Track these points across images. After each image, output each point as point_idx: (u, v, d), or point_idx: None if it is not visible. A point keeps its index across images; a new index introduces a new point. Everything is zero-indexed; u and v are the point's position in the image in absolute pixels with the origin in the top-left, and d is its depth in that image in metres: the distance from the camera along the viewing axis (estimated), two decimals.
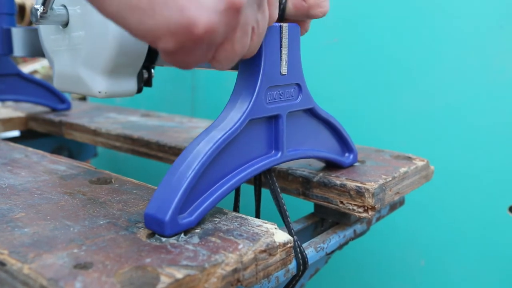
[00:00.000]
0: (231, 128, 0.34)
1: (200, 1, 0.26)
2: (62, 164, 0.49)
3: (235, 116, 0.35)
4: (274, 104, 0.38)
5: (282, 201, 0.42)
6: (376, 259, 0.85)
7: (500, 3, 0.67)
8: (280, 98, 0.39)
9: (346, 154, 0.49)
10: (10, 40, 0.68)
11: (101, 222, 0.34)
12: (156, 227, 0.31)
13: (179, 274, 0.27)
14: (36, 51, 0.60)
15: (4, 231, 0.32)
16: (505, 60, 0.68)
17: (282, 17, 0.40)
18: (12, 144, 0.58)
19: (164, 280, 0.26)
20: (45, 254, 0.29)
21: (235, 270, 0.29)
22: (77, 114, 0.82)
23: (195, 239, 0.31)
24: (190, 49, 0.27)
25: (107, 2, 0.26)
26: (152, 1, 0.25)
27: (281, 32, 0.37)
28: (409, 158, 0.53)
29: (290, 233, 0.41)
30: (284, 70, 0.38)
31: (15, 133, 0.89)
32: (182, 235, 0.32)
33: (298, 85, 0.40)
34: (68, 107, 0.86)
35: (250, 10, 0.29)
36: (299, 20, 0.41)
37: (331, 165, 0.48)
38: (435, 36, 0.73)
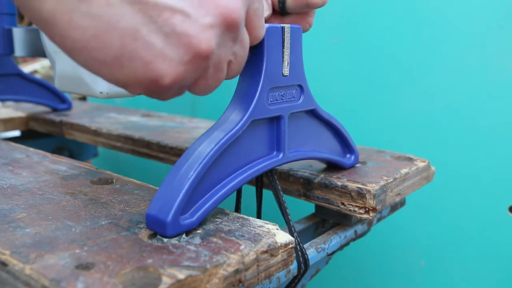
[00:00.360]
0: (233, 129, 0.34)
1: (165, 54, 0.26)
2: (63, 164, 0.49)
3: (237, 117, 0.35)
4: (276, 105, 0.38)
5: (284, 201, 0.42)
6: (377, 260, 0.85)
7: (500, 3, 0.67)
8: (282, 99, 0.39)
9: (348, 155, 0.49)
10: (11, 40, 0.68)
11: (103, 223, 0.34)
12: (158, 228, 0.31)
13: (181, 274, 0.27)
14: (37, 51, 0.60)
15: (5, 231, 0.32)
16: (505, 60, 0.68)
17: (284, 12, 0.40)
18: (13, 144, 0.58)
19: (166, 280, 0.26)
20: (47, 255, 0.29)
21: (236, 271, 0.29)
22: (78, 114, 0.82)
23: (197, 240, 0.31)
24: (160, 93, 0.28)
25: (75, 54, 0.26)
26: (118, 56, 0.25)
27: (283, 34, 0.37)
28: (410, 159, 0.53)
29: (292, 234, 0.41)
30: (286, 71, 0.38)
31: (16, 133, 0.89)
32: (184, 235, 0.32)
33: (300, 86, 0.40)
34: (69, 107, 0.86)
35: (223, 49, 0.29)
36: (302, 12, 0.41)
37: (332, 166, 0.48)
38: (436, 36, 0.73)
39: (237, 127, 0.35)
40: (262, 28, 0.33)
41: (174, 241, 0.31)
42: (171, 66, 0.26)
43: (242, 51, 0.31)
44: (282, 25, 0.37)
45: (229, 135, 0.34)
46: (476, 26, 0.69)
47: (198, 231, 0.33)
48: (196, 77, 0.29)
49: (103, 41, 0.24)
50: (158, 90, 0.27)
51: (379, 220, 0.54)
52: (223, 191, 0.34)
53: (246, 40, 0.31)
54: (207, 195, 0.34)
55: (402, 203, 0.58)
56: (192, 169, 0.32)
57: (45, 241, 0.31)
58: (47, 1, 0.24)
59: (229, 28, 0.28)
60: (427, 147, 0.76)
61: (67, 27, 0.24)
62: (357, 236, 0.50)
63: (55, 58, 0.49)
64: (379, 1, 0.77)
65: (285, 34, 0.37)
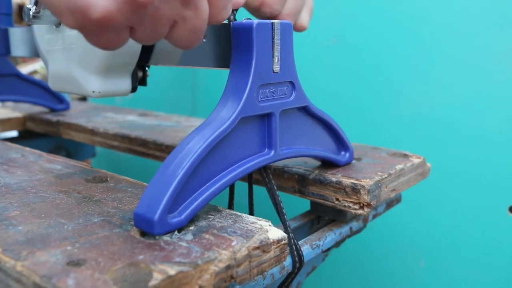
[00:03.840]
0: (222, 126, 0.34)
1: None
2: (58, 163, 0.49)
3: (226, 114, 0.35)
4: (267, 102, 0.38)
5: (279, 198, 0.42)
6: (376, 259, 0.85)
7: (500, 3, 0.67)
8: (273, 96, 0.39)
9: (342, 153, 0.49)
10: (7, 41, 0.68)
11: (95, 220, 0.34)
12: (145, 227, 0.31)
13: (172, 270, 0.27)
14: (34, 51, 0.60)
15: None
16: (505, 60, 0.68)
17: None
18: (9, 144, 0.58)
19: (157, 276, 0.26)
20: (39, 252, 0.29)
21: (228, 267, 0.29)
22: (75, 114, 0.82)
23: (189, 236, 0.32)
24: (93, 31, 0.27)
25: None
26: None
27: (273, 30, 0.37)
28: (406, 156, 0.53)
29: (287, 231, 0.41)
30: (276, 68, 0.38)
31: (13, 133, 0.89)
32: (176, 232, 0.32)
33: (292, 83, 0.40)
34: (66, 108, 0.86)
35: (166, 5, 0.28)
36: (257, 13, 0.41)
37: (327, 164, 0.48)
38: (434, 35, 0.73)
39: (226, 124, 0.35)
40: (223, 10, 0.31)
41: (166, 237, 0.31)
42: (104, 1, 0.26)
43: (195, 20, 0.29)
44: (272, 21, 0.37)
45: (218, 132, 0.34)
46: (476, 26, 0.69)
47: (191, 228, 0.33)
48: (131, 22, 0.28)
49: None
50: (89, 25, 0.26)
51: (374, 216, 0.54)
52: (212, 189, 0.34)
53: (203, 9, 0.29)
54: (196, 193, 0.34)
55: (398, 200, 0.58)
56: (180, 167, 0.32)
57: (37, 238, 0.31)
58: None
59: None
60: (427, 147, 0.76)
61: None
62: (353, 233, 0.50)
63: (48, 58, 0.49)
64: (379, 1, 0.77)
65: (275, 31, 0.37)
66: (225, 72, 0.39)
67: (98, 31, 0.27)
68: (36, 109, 0.87)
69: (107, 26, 0.27)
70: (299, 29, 0.45)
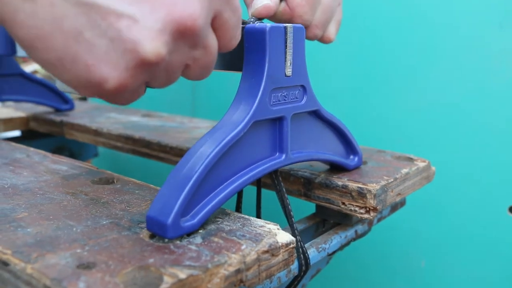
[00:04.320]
0: (235, 130, 0.34)
1: (109, 59, 0.25)
2: (64, 164, 0.49)
3: (239, 118, 0.35)
4: (279, 106, 0.38)
5: (288, 201, 0.42)
6: (377, 260, 0.85)
7: (500, 3, 0.67)
8: (285, 100, 0.39)
9: (351, 157, 0.49)
10: (12, 41, 0.68)
11: (104, 222, 0.34)
12: (158, 230, 0.31)
13: (182, 274, 0.27)
14: None
15: (7, 231, 0.32)
16: (505, 60, 0.68)
17: None
18: (13, 144, 0.58)
19: (167, 280, 0.26)
20: (48, 254, 0.29)
21: (238, 271, 0.29)
22: (78, 114, 0.82)
23: (198, 240, 0.32)
24: (110, 97, 0.28)
25: (26, 51, 0.26)
26: (61, 58, 0.25)
27: (285, 34, 0.37)
28: (411, 159, 0.53)
29: (294, 234, 0.41)
30: (288, 71, 0.38)
31: (16, 133, 0.89)
32: (185, 235, 0.32)
33: (303, 86, 0.40)
34: (71, 108, 0.86)
35: (176, 55, 0.28)
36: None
37: (336, 168, 0.48)
38: (436, 36, 0.73)
39: (239, 128, 0.35)
40: (233, 39, 0.31)
41: (175, 240, 0.31)
42: (115, 71, 0.26)
43: (206, 57, 0.30)
44: (284, 25, 0.37)
45: (231, 136, 0.34)
46: (476, 26, 0.69)
47: (200, 231, 0.33)
48: (145, 80, 0.28)
49: (46, 42, 0.24)
50: (105, 94, 0.27)
51: (379, 220, 0.54)
52: (225, 192, 0.34)
53: (211, 45, 0.29)
54: (209, 197, 0.34)
55: (402, 203, 0.58)
56: (193, 171, 0.32)
57: (46, 240, 0.31)
58: None
59: (183, 35, 0.27)
60: (427, 147, 0.76)
61: (13, 26, 0.24)
62: (358, 236, 0.50)
63: None
64: (379, 1, 0.77)
65: (288, 34, 0.37)
66: (225, 72, 0.39)
67: (115, 97, 0.28)
68: (39, 109, 0.87)
69: (123, 92, 0.27)
70: (326, 41, 0.45)
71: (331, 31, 0.46)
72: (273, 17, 0.42)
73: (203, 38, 0.28)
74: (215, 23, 0.29)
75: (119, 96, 0.28)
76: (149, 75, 0.27)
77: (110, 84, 0.26)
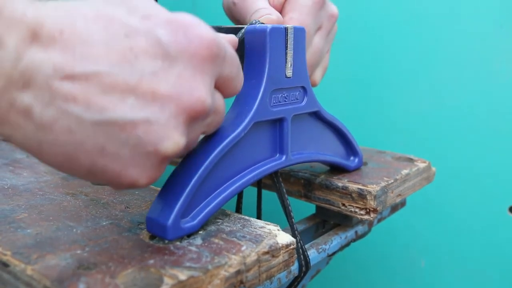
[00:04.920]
0: (235, 131, 0.34)
1: (135, 163, 0.26)
2: None
3: (239, 119, 0.35)
4: (279, 107, 0.38)
5: (288, 202, 0.42)
6: (377, 260, 0.85)
7: (500, 3, 0.67)
8: (285, 101, 0.39)
9: (351, 158, 0.49)
10: None
11: (104, 223, 0.34)
12: (158, 231, 0.31)
13: (183, 275, 0.27)
14: None
15: (7, 231, 0.32)
16: (505, 60, 0.68)
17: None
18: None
19: (168, 281, 0.26)
20: (48, 255, 0.29)
21: (238, 272, 0.29)
22: None
23: (198, 241, 0.31)
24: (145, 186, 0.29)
25: (56, 169, 0.27)
26: (91, 172, 0.26)
27: (286, 35, 0.37)
28: (411, 160, 0.53)
29: (294, 234, 0.41)
30: (289, 72, 0.38)
31: None
32: (185, 236, 0.32)
33: (303, 88, 0.40)
34: None
35: (193, 133, 0.29)
36: None
37: (336, 169, 0.48)
38: (436, 37, 0.73)
39: (240, 129, 0.34)
40: (237, 86, 0.32)
41: (175, 241, 0.31)
42: (143, 172, 0.27)
43: (218, 117, 0.31)
44: (285, 26, 0.37)
45: (231, 137, 0.34)
46: (476, 26, 0.69)
47: (200, 232, 0.33)
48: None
49: (74, 163, 0.25)
50: (140, 187, 0.28)
51: (379, 220, 0.54)
52: (225, 194, 0.34)
53: (220, 107, 0.31)
54: (209, 198, 0.34)
55: (402, 203, 0.58)
56: (193, 172, 0.32)
57: (46, 241, 0.31)
58: (16, 136, 0.24)
59: (196, 118, 0.28)
60: (427, 147, 0.76)
61: (38, 155, 0.25)
62: (358, 237, 0.50)
63: None
64: (379, 1, 0.77)
65: (288, 35, 0.37)
66: None
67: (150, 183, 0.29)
68: None
69: (154, 182, 0.29)
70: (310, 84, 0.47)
71: (317, 75, 0.47)
72: None
73: (213, 107, 0.29)
74: (218, 82, 0.30)
75: (152, 182, 0.29)
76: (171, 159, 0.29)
77: (141, 182, 0.27)
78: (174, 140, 0.26)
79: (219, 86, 0.30)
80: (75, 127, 0.24)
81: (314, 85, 0.47)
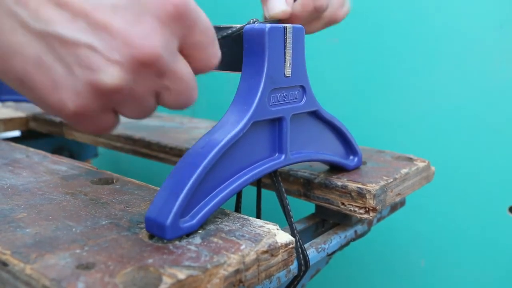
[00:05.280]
0: (234, 131, 0.34)
1: (67, 85, 0.26)
2: (63, 164, 0.49)
3: (238, 118, 0.35)
4: (278, 107, 0.38)
5: (287, 201, 0.42)
6: (377, 260, 0.85)
7: (500, 3, 0.67)
8: (284, 100, 0.39)
9: (351, 157, 0.49)
10: None
11: (103, 223, 0.34)
12: (157, 231, 0.31)
13: (182, 274, 0.27)
14: None
15: (6, 231, 0.32)
16: (505, 60, 0.68)
17: None
18: (13, 144, 0.58)
19: (167, 280, 0.26)
20: (47, 255, 0.29)
21: (237, 271, 0.29)
22: None
23: (197, 240, 0.32)
24: (75, 122, 0.28)
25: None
26: (22, 82, 0.26)
27: (285, 34, 0.37)
28: (410, 159, 0.53)
29: (293, 234, 0.41)
30: (288, 72, 0.38)
31: (16, 133, 0.89)
32: (184, 235, 0.32)
33: (303, 87, 0.40)
34: None
35: (142, 83, 0.27)
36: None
37: (336, 168, 0.48)
38: (436, 36, 0.73)
39: (238, 128, 0.34)
40: (210, 59, 0.31)
41: (174, 241, 0.31)
42: (73, 97, 0.26)
43: (178, 85, 0.29)
44: (284, 25, 0.37)
45: (229, 137, 0.34)
46: (476, 26, 0.69)
47: (199, 231, 0.33)
48: (111, 107, 0.28)
49: (7, 64, 0.25)
50: (68, 118, 0.27)
51: (379, 220, 0.54)
52: (224, 193, 0.34)
53: (181, 72, 0.29)
54: (208, 198, 0.33)
55: (402, 203, 0.58)
56: (192, 172, 0.32)
57: (46, 241, 0.31)
58: None
59: (144, 66, 0.26)
60: (427, 147, 0.76)
61: None
62: (357, 236, 0.50)
63: None
64: (379, 1, 0.77)
65: (287, 34, 0.37)
66: (225, 72, 0.39)
67: (80, 122, 0.28)
68: (39, 109, 0.87)
69: (85, 117, 0.27)
70: (337, 19, 0.46)
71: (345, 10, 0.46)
72: (295, 18, 0.41)
73: (169, 66, 0.28)
74: (184, 48, 0.29)
75: (83, 121, 0.28)
76: (111, 102, 0.27)
77: (69, 108, 0.26)
78: (113, 74, 0.25)
79: (186, 54, 0.29)
80: (18, 30, 0.24)
81: (338, 20, 0.46)
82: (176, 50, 0.28)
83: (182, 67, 0.29)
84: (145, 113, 0.30)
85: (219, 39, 0.32)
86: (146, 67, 0.26)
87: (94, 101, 0.27)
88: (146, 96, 0.28)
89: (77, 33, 0.25)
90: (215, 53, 0.31)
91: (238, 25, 0.37)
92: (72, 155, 0.91)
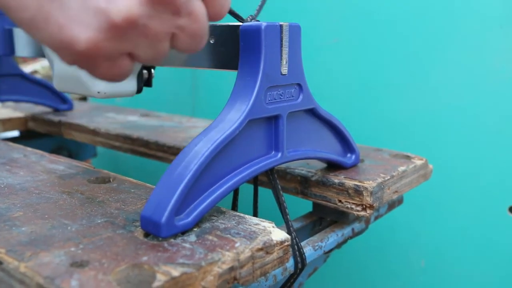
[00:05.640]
0: (229, 129, 0.34)
1: (80, 19, 0.25)
2: (61, 163, 0.49)
3: (234, 116, 0.35)
4: (274, 104, 0.38)
5: (283, 198, 0.42)
6: (376, 259, 0.85)
7: (500, 3, 0.67)
8: (281, 98, 0.39)
9: (348, 155, 0.48)
10: (11, 41, 0.68)
11: (99, 221, 0.34)
12: (152, 229, 0.31)
13: (176, 272, 0.27)
14: (38, 51, 0.60)
15: (1, 230, 0.32)
16: (505, 60, 0.68)
17: None
18: (11, 144, 0.58)
19: (160, 278, 0.26)
20: (42, 253, 0.29)
21: (231, 268, 0.29)
22: (77, 114, 0.82)
23: (192, 238, 0.32)
24: (88, 64, 0.27)
25: (4, 13, 0.26)
26: (34, 17, 0.25)
27: (281, 32, 0.37)
28: (408, 157, 0.53)
29: (289, 231, 0.41)
30: (284, 70, 0.38)
31: (15, 133, 0.89)
32: (179, 233, 0.32)
33: (299, 85, 0.40)
34: (70, 108, 0.86)
35: (157, 21, 0.27)
36: None
37: (333, 166, 0.48)
38: (435, 36, 0.73)
39: (234, 126, 0.34)
40: (223, 5, 0.30)
41: (169, 238, 0.31)
42: (86, 32, 0.25)
43: (193, 25, 0.28)
44: (280, 23, 0.37)
45: (225, 135, 0.34)
46: (476, 26, 0.69)
47: (194, 229, 0.33)
48: (124, 47, 0.27)
49: (21, 2, 0.24)
50: (79, 57, 0.26)
51: (376, 218, 0.54)
52: (219, 191, 0.34)
53: (198, 12, 0.28)
54: (203, 195, 0.33)
55: (400, 201, 0.57)
56: (187, 170, 0.32)
57: (41, 239, 0.31)
58: None
59: (161, 1, 0.26)
60: (425, 146, 0.76)
61: None
62: (355, 234, 0.50)
63: (53, 58, 0.49)
64: (379, 1, 0.77)
65: (284, 32, 0.37)
66: (225, 71, 0.39)
67: (93, 63, 0.27)
68: (38, 109, 0.87)
69: (98, 56, 0.26)
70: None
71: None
72: None
73: (186, 4, 0.27)
74: None
75: (96, 63, 0.27)
76: (126, 41, 0.27)
77: (81, 45, 0.25)
78: (127, 6, 0.25)
79: None
80: None
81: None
82: None
83: (198, 7, 0.28)
84: (159, 56, 0.29)
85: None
86: (163, 3, 0.26)
87: (108, 38, 0.26)
88: (161, 36, 0.28)
89: None
90: (229, 1, 0.30)
91: (236, 23, 0.37)
92: (71, 155, 0.91)
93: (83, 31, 0.25)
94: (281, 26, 0.37)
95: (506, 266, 0.73)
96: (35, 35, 0.26)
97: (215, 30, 0.39)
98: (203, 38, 0.29)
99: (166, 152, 0.60)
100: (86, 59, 0.27)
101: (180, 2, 0.26)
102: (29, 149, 0.55)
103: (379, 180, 0.45)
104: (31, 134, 0.87)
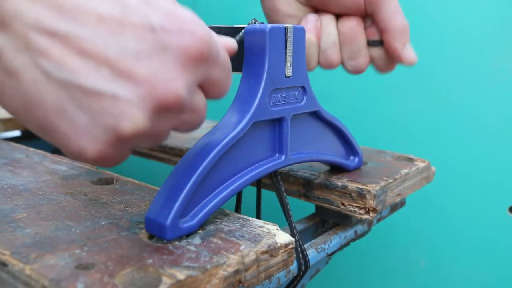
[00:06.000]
0: (234, 131, 0.34)
1: (89, 133, 0.26)
2: (63, 164, 0.49)
3: (238, 119, 0.35)
4: (278, 107, 0.38)
5: (286, 200, 0.42)
6: (377, 260, 0.85)
7: (500, 3, 0.67)
8: (285, 101, 0.39)
9: (351, 158, 0.48)
10: None
11: (103, 223, 0.34)
12: (157, 231, 0.31)
13: (181, 275, 0.27)
14: None
15: (5, 231, 0.32)
16: (505, 60, 0.68)
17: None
18: (13, 144, 0.58)
19: (166, 281, 0.26)
20: (47, 255, 0.29)
21: (236, 271, 0.29)
22: None
23: (197, 240, 0.31)
24: (96, 163, 0.28)
25: (18, 118, 0.27)
26: (43, 128, 0.26)
27: (286, 34, 0.37)
28: (411, 159, 0.53)
29: (293, 234, 0.41)
30: (288, 72, 0.38)
31: (16, 133, 0.89)
32: (184, 236, 0.32)
33: (303, 87, 0.40)
34: None
35: (162, 123, 0.27)
36: None
37: (336, 169, 0.48)
38: (436, 37, 0.73)
39: (238, 129, 0.34)
40: (223, 91, 0.31)
41: (174, 241, 0.31)
42: (95, 144, 0.26)
43: (194, 118, 0.30)
44: (284, 25, 0.37)
45: (230, 137, 0.34)
46: (476, 26, 0.69)
47: (198, 232, 0.33)
48: (129, 148, 0.28)
49: (29, 113, 0.25)
50: (89, 162, 0.27)
51: (379, 220, 0.54)
52: (224, 193, 0.34)
53: (199, 107, 0.29)
54: (207, 198, 0.33)
55: (402, 203, 0.58)
56: (192, 172, 0.32)
57: (45, 241, 0.31)
58: None
59: (167, 110, 0.27)
60: (427, 147, 0.76)
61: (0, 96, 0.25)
62: (357, 237, 0.50)
63: None
64: None
65: (288, 35, 0.37)
66: None
67: (96, 164, 0.28)
68: None
69: (104, 162, 0.27)
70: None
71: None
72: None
73: (189, 104, 0.28)
74: (203, 82, 0.29)
75: (101, 164, 0.28)
76: (132, 145, 0.28)
77: (89, 154, 0.26)
78: (136, 121, 0.26)
79: (204, 87, 0.30)
80: (42, 80, 0.24)
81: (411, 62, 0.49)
82: (196, 87, 0.29)
83: (200, 101, 0.30)
84: (159, 143, 0.30)
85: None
86: (169, 111, 0.27)
87: (115, 147, 0.27)
88: (164, 133, 0.29)
89: (101, 83, 0.25)
90: (229, 83, 0.32)
91: (242, 28, 0.37)
92: None
93: (91, 144, 0.26)
94: (285, 28, 0.37)
95: (506, 266, 0.73)
96: (44, 138, 0.27)
97: (219, 32, 0.39)
98: (201, 124, 0.31)
99: (169, 153, 0.60)
100: (92, 162, 0.28)
101: (184, 105, 0.27)
102: (31, 149, 0.55)
103: (382, 183, 0.45)
104: (33, 134, 0.86)
